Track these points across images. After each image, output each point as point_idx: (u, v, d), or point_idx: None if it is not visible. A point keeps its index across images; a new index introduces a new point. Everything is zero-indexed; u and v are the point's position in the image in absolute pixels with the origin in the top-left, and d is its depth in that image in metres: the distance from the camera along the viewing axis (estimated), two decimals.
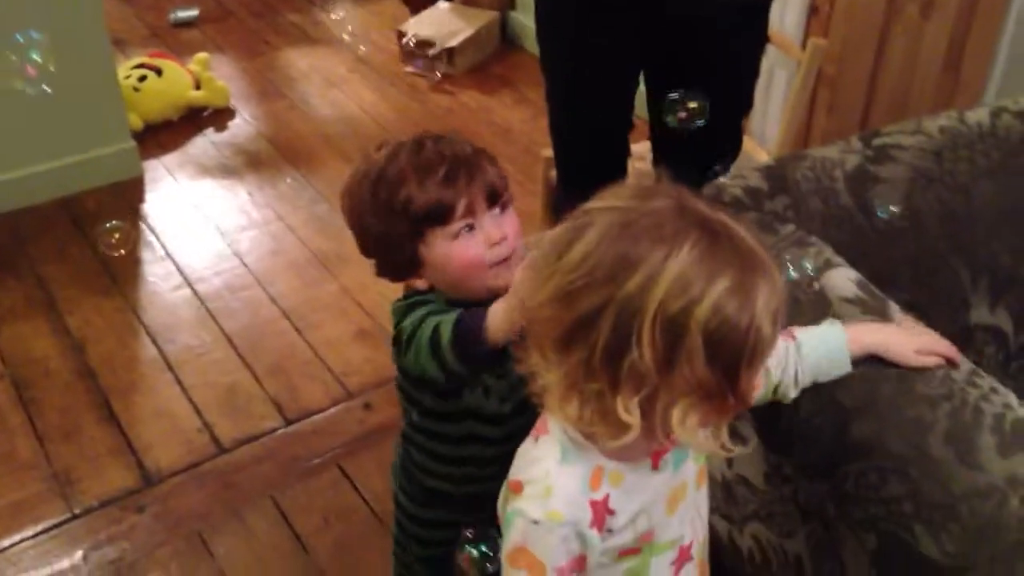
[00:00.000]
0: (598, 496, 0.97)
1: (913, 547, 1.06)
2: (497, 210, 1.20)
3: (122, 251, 1.64)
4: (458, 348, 1.13)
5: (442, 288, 1.24)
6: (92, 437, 2.12)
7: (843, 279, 1.28)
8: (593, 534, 0.97)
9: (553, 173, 2.30)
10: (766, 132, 2.47)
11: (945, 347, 1.16)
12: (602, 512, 0.97)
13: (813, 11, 2.23)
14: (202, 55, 3.42)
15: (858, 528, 1.13)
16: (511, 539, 0.98)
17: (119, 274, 2.61)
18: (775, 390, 1.14)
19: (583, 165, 1.91)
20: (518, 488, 0.98)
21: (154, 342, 2.39)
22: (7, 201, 2.79)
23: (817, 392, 1.16)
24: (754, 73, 1.74)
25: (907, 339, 1.16)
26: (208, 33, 3.85)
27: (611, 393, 0.89)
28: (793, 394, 1.13)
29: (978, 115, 1.56)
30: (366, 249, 1.25)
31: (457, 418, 1.31)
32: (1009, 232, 1.49)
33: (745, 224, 0.92)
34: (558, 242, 0.91)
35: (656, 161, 1.89)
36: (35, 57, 1.25)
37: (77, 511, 1.96)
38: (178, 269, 2.62)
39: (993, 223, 1.49)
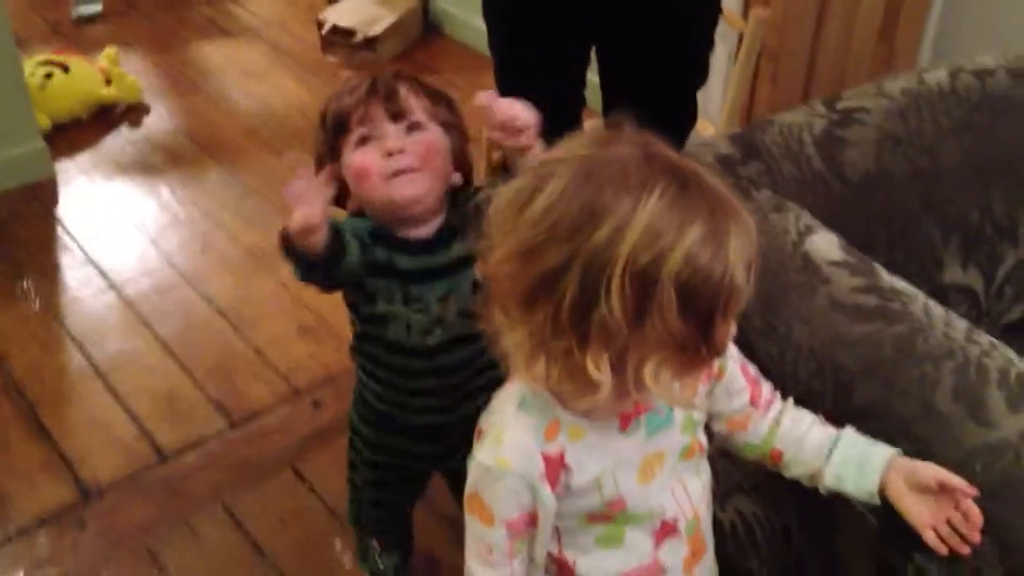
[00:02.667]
0: (552, 449, 0.94)
1: None
2: (403, 126, 1.23)
3: None
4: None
5: (367, 210, 1.27)
6: (22, 452, 1.99)
7: (827, 243, 1.25)
8: (545, 489, 0.94)
9: (496, 154, 2.25)
10: (708, 106, 2.45)
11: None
12: (556, 466, 0.95)
13: None
14: (111, 50, 3.26)
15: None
16: (468, 484, 0.97)
17: (37, 280, 2.46)
18: (777, 459, 1.10)
19: None
20: (479, 435, 0.97)
21: (81, 350, 2.25)
22: None
23: (815, 356, 1.13)
24: (708, 43, 1.71)
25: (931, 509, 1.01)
26: (114, 28, 3.68)
27: (580, 350, 0.85)
28: (800, 478, 1.09)
29: (937, 76, 1.55)
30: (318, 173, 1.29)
31: (385, 347, 1.33)
32: (976, 190, 1.49)
33: (713, 171, 0.88)
34: (518, 195, 0.87)
35: None
36: None
37: (13, 531, 1.83)
38: (101, 273, 2.48)
39: (960, 181, 1.48)
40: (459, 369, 1.35)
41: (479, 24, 3.40)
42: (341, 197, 1.28)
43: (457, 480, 1.55)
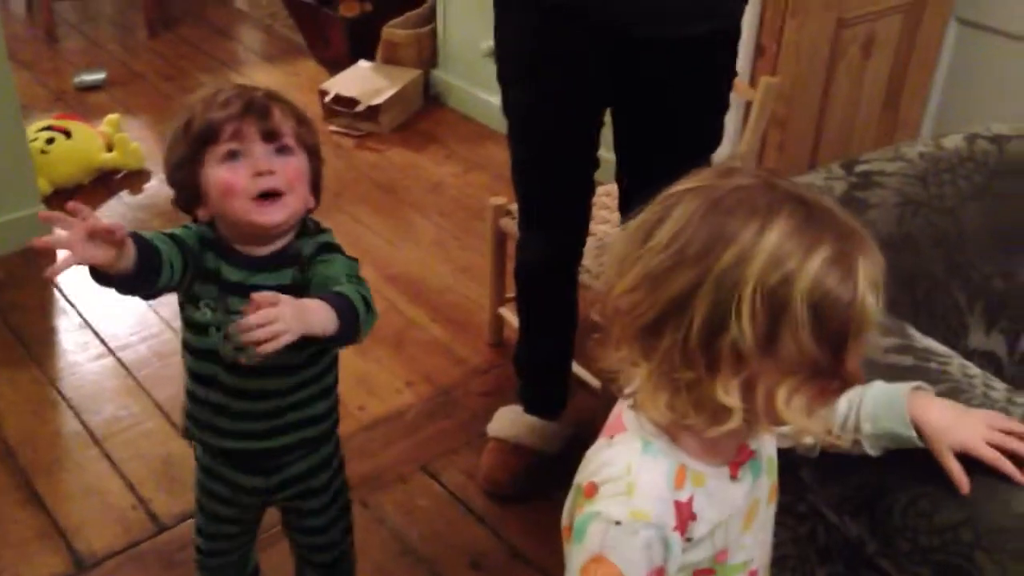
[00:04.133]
0: (683, 496, 0.90)
1: None
2: (273, 147, 1.24)
3: None
4: None
5: (218, 222, 1.28)
6: (15, 521, 1.92)
7: None
8: (676, 539, 0.89)
9: (503, 221, 2.24)
10: None
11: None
12: (686, 515, 0.90)
13: (759, 51, 2.24)
14: (113, 116, 3.28)
15: (907, 563, 1.06)
16: (584, 548, 0.88)
17: (33, 345, 2.42)
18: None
19: (545, 205, 1.84)
20: (592, 490, 0.90)
21: (77, 415, 2.20)
22: None
23: None
24: (724, 104, 1.71)
25: (964, 429, 1.03)
26: (116, 96, 3.70)
27: (708, 378, 0.83)
28: (848, 444, 1.07)
29: (954, 141, 1.55)
30: (168, 178, 1.31)
31: (203, 356, 1.34)
32: (999, 255, 1.48)
33: (838, 203, 0.88)
34: (641, 227, 0.87)
35: (622, 199, 1.84)
36: None
37: None
38: (98, 337, 2.44)
39: (984, 246, 1.47)
40: (271, 397, 1.34)
41: (480, 95, 3.45)
42: (190, 203, 1.29)
43: (293, 514, 1.53)
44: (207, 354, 1.33)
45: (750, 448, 0.96)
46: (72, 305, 2.56)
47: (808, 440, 1.10)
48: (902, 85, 2.44)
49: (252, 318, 1.06)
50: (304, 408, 1.38)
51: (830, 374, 0.84)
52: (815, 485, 1.16)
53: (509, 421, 2.07)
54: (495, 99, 1.79)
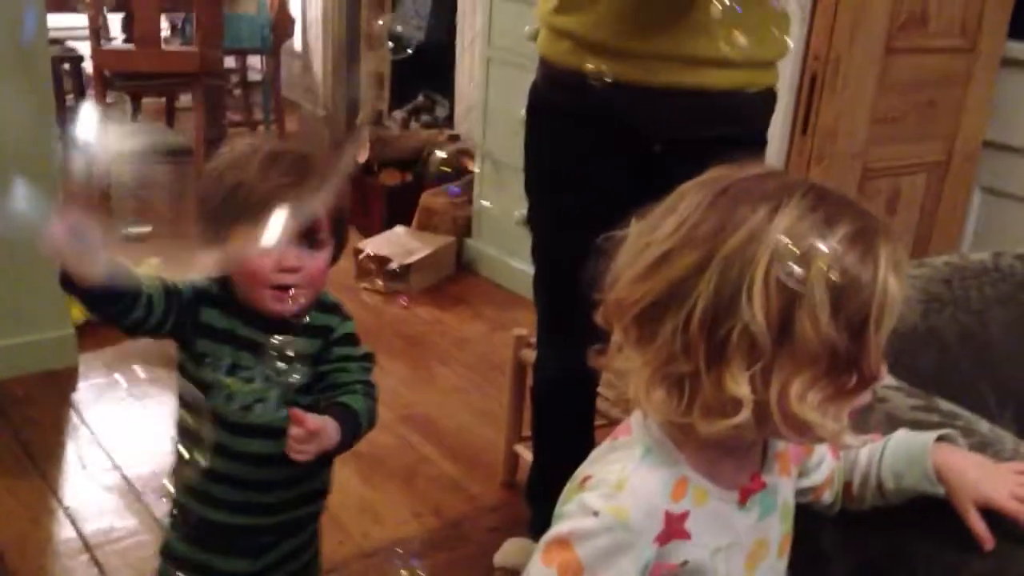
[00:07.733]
0: (676, 509, 0.83)
1: None
2: (306, 242, 1.21)
3: None
4: None
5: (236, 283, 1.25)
6: None
7: None
8: (651, 552, 0.82)
9: (524, 352, 2.22)
10: None
11: None
12: (675, 530, 0.83)
13: None
14: (153, 259, 3.35)
15: None
16: (556, 528, 0.83)
17: (40, 458, 2.37)
18: (849, 493, 1.05)
19: (564, 316, 1.81)
20: (585, 481, 0.85)
21: (72, 523, 2.13)
22: None
23: None
24: None
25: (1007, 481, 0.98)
26: (158, 245, 3.81)
27: (714, 368, 0.77)
28: (872, 500, 1.03)
29: (980, 256, 1.55)
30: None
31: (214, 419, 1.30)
32: None
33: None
34: (651, 219, 0.85)
35: None
36: None
37: None
38: (107, 454, 2.40)
39: (1013, 351, 1.43)
40: (275, 464, 1.26)
41: (512, 264, 3.51)
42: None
43: None
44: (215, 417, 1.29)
45: (762, 479, 0.91)
46: (85, 424, 2.54)
47: (827, 497, 1.04)
48: (927, 244, 2.46)
49: (300, 435, 1.11)
50: (305, 484, 1.33)
51: (849, 368, 0.79)
52: (836, 554, 1.08)
53: (518, 550, 1.97)
54: (526, 267, 1.80)
